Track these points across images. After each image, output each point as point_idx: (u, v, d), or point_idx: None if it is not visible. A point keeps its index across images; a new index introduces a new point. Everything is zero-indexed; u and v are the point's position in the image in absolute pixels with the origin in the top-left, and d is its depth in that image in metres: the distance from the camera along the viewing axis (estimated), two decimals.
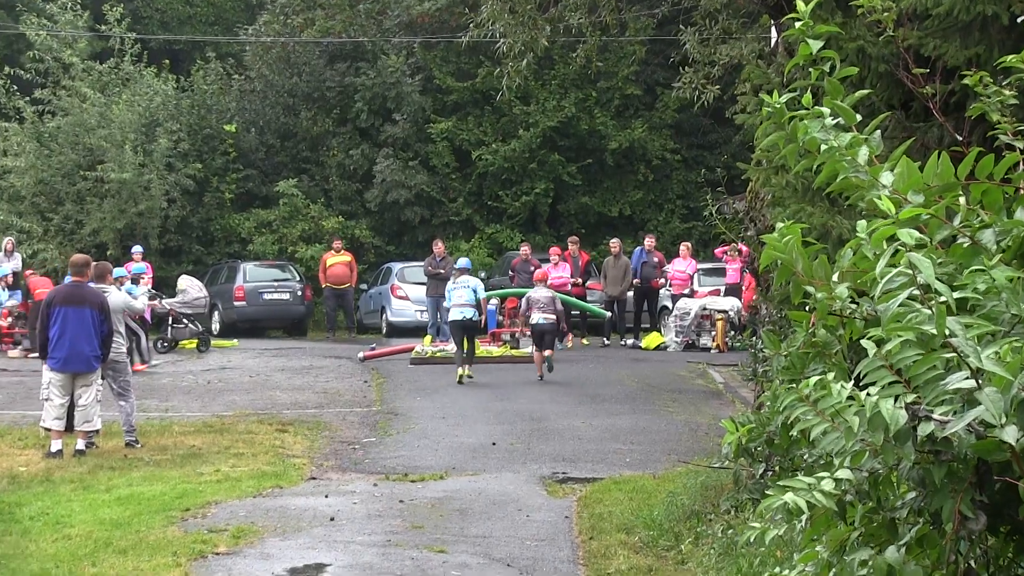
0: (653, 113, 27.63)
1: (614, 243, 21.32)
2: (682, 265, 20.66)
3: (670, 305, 20.35)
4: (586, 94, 27.29)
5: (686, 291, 20.21)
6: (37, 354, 12.21)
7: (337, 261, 23.02)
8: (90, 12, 26.98)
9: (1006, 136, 2.96)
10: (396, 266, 24.10)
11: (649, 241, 21.40)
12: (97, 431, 11.10)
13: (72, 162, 25.28)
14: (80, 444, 10.82)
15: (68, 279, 12.17)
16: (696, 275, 20.67)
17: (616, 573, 7.19)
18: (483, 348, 17.66)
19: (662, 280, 20.69)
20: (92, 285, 10.98)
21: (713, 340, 19.31)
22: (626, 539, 7.89)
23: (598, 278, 21.48)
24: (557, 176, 27.07)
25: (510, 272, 21.45)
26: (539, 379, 15.43)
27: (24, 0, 28.57)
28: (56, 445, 10.69)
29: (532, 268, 19.90)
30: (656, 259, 21.01)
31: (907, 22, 6.20)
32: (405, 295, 22.78)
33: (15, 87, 25.81)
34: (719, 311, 19.49)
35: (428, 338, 19.70)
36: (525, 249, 21.29)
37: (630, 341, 20.51)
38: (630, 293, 20.77)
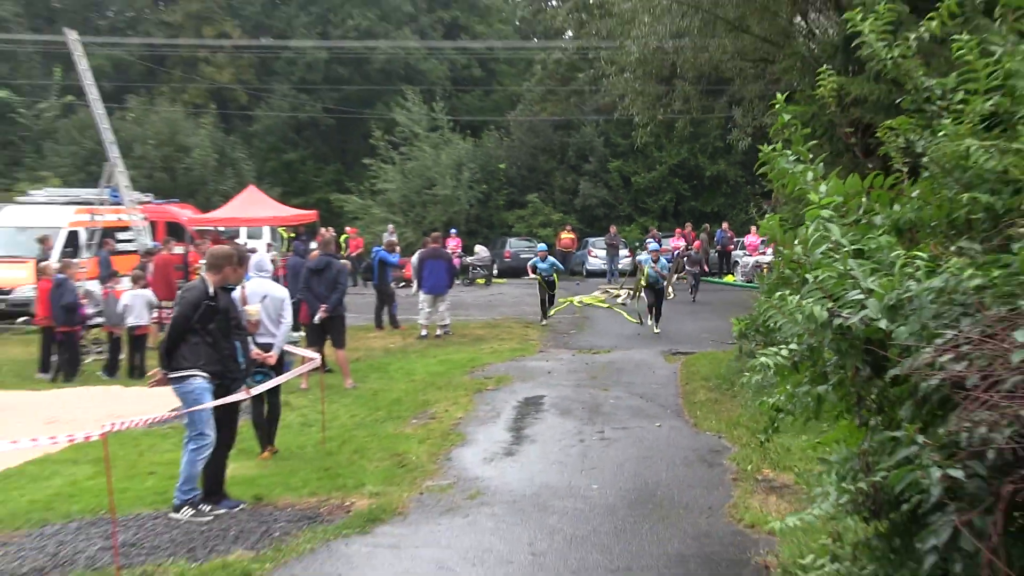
0: (731, 156, 50.95)
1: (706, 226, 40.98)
2: (753, 238, 38.62)
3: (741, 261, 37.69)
4: (691, 145, 53.03)
5: (758, 253, 36.77)
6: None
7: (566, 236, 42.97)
8: (426, 103, 55.52)
9: (898, 164, 5.85)
10: (590, 240, 46.40)
11: (725, 225, 42.59)
12: (447, 325, 22.94)
13: (418, 185, 50.87)
14: (439, 332, 22.41)
15: (427, 246, 23.82)
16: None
17: (698, 402, 14.49)
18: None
19: (731, 246, 41.08)
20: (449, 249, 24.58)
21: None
22: (705, 383, 15.66)
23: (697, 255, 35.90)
24: (676, 190, 52.09)
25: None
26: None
27: (399, 98, 56.21)
28: (423, 332, 22.59)
29: (616, 244, 39.08)
30: (729, 234, 42.20)
31: (852, 104, 13.33)
32: (597, 255, 45.88)
33: (390, 145, 53.56)
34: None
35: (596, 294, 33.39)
36: (613, 230, 40.49)
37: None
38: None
